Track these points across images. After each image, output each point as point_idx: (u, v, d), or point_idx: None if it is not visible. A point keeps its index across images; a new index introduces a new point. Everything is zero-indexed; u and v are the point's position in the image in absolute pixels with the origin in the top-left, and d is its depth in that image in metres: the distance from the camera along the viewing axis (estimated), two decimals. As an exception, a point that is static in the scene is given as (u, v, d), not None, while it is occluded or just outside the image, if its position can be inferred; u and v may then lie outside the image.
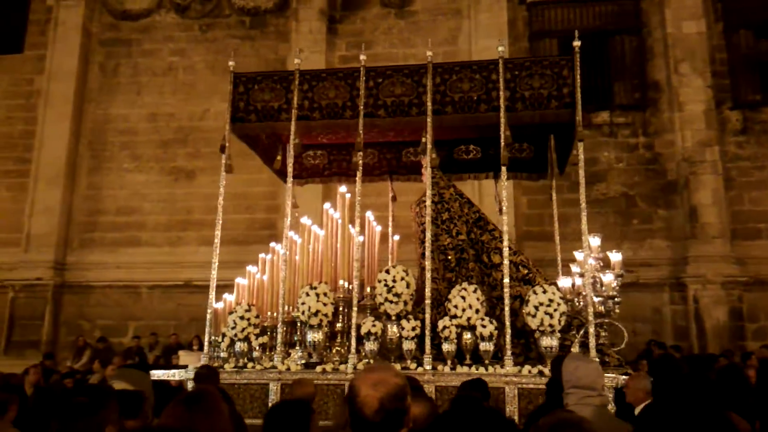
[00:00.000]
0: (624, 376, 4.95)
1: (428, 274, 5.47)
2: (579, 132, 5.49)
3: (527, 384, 5.06)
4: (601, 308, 5.43)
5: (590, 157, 12.13)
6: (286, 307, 5.68)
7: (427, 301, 5.35)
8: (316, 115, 5.82)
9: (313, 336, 5.43)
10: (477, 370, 5.12)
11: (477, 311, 5.29)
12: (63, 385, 8.32)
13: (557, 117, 5.60)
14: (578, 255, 5.84)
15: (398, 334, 5.32)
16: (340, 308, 5.75)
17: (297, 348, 5.71)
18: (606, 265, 5.67)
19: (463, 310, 5.28)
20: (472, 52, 11.92)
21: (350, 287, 5.66)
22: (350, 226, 5.88)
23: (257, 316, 5.79)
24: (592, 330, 5.05)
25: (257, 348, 5.66)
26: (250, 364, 5.55)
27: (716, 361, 8.64)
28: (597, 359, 4.89)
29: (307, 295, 5.45)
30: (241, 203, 12.18)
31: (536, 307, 5.15)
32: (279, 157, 6.53)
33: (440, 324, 5.29)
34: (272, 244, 6.50)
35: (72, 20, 13.35)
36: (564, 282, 5.91)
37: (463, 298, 5.33)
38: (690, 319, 11.12)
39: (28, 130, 13.20)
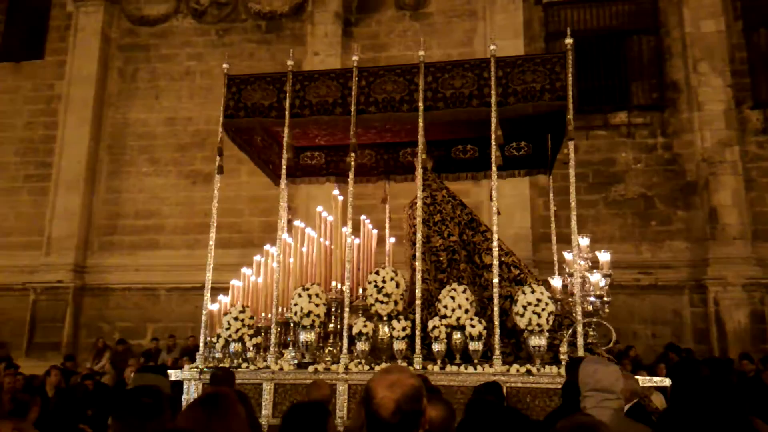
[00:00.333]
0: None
1: (418, 275, 5.52)
2: (569, 131, 5.44)
3: (515, 383, 5.10)
4: (590, 308, 5.39)
5: (608, 158, 12.06)
6: (279, 309, 5.73)
7: (418, 302, 5.40)
8: (306, 112, 5.85)
9: (306, 336, 5.48)
10: (466, 369, 5.16)
11: (466, 311, 5.31)
12: (85, 387, 8.41)
13: (550, 108, 5.56)
14: (567, 255, 5.83)
15: (389, 335, 5.37)
16: (333, 309, 5.79)
17: (290, 348, 5.74)
18: (595, 265, 5.67)
19: (453, 310, 5.30)
20: (487, 54, 11.85)
21: (343, 288, 5.70)
22: (344, 228, 5.91)
23: (251, 318, 5.85)
24: (580, 329, 5.05)
25: (251, 348, 5.72)
26: (244, 365, 5.62)
27: (733, 365, 8.55)
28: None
29: (300, 296, 5.50)
30: (258, 206, 12.28)
31: (524, 307, 5.16)
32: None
33: (430, 324, 5.33)
34: (266, 247, 6.55)
35: (91, 26, 13.55)
36: (555, 282, 5.90)
37: (453, 298, 5.35)
38: (710, 322, 10.97)
39: (49, 134, 13.41)
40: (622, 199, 11.86)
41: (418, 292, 5.44)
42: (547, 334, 5.17)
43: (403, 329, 5.32)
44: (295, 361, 5.56)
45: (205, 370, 5.60)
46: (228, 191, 12.10)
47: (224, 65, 6.27)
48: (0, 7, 14.46)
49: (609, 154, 12.08)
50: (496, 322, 5.18)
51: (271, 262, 6.13)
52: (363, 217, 6.52)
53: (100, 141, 13.35)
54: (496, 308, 5.20)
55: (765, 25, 12.08)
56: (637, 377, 4.99)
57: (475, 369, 5.16)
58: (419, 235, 5.70)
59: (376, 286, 5.41)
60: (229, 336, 5.69)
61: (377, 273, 5.50)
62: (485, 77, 5.63)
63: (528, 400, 5.04)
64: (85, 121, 13.11)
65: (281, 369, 5.44)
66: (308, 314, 5.43)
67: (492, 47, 5.70)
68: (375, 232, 6.75)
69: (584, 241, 5.65)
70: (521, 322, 5.18)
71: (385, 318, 5.41)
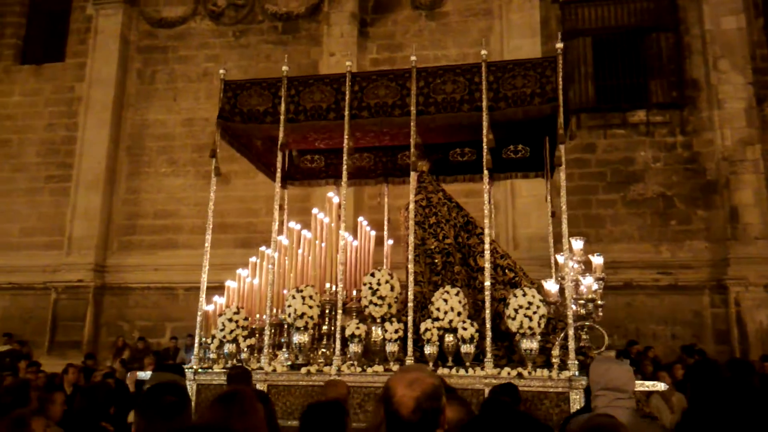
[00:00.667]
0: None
1: (411, 277, 5.52)
2: (560, 135, 5.39)
3: None
4: (582, 311, 5.34)
5: (626, 157, 11.94)
6: (273, 310, 5.75)
7: (410, 304, 5.40)
8: (301, 117, 5.89)
9: (299, 338, 5.49)
10: (458, 371, 5.12)
11: (459, 314, 5.27)
12: (108, 386, 8.48)
13: (540, 113, 5.54)
14: (560, 258, 5.78)
15: (382, 337, 5.36)
16: (327, 311, 5.80)
17: (283, 350, 5.75)
18: (588, 268, 5.61)
19: (445, 312, 5.27)
20: (503, 53, 11.80)
21: (337, 290, 5.70)
22: (340, 230, 5.91)
23: (246, 319, 5.87)
24: (571, 333, 5.01)
25: (245, 349, 5.75)
26: (238, 366, 5.65)
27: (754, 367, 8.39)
28: (579, 360, 4.92)
29: (294, 298, 5.51)
30: (272, 206, 12.30)
31: (516, 310, 5.11)
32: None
33: (422, 326, 5.30)
34: (262, 248, 6.57)
35: (111, 29, 13.72)
36: (549, 285, 5.84)
37: (446, 300, 5.32)
38: (731, 323, 10.82)
39: (70, 136, 13.61)
40: (641, 198, 11.74)
41: (410, 294, 5.45)
42: (539, 337, 5.13)
43: (396, 331, 5.31)
44: (289, 363, 5.56)
45: (200, 371, 5.63)
46: (246, 191, 12.20)
47: (221, 71, 6.31)
48: (21, 11, 14.72)
49: (628, 153, 11.95)
50: (488, 325, 5.15)
51: (267, 264, 6.15)
52: (360, 219, 6.55)
53: (120, 142, 13.52)
54: (487, 311, 5.18)
55: (787, 22, 11.89)
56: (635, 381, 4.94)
57: (467, 372, 5.12)
58: (411, 237, 5.72)
59: (370, 288, 5.41)
60: (224, 337, 5.72)
61: (372, 275, 5.49)
62: (476, 82, 5.59)
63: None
64: (105, 123, 13.28)
65: (274, 370, 5.45)
66: (302, 316, 5.43)
67: (483, 52, 5.66)
68: (373, 233, 6.77)
69: (578, 244, 5.58)
70: (513, 326, 5.15)
71: (378, 320, 5.41)
